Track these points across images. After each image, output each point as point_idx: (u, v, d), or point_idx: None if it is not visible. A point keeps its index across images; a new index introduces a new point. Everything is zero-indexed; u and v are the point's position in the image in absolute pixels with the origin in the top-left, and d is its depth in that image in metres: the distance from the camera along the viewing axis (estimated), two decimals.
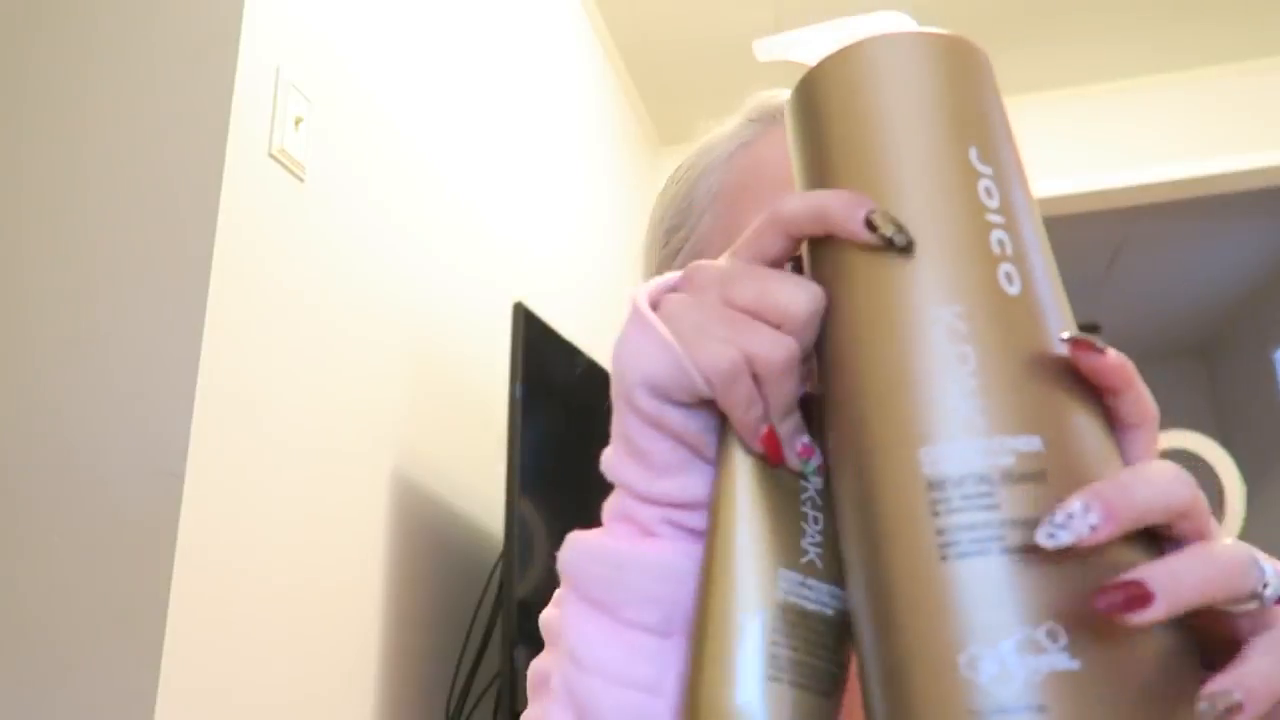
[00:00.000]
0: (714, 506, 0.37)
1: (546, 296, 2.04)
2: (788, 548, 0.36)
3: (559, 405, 1.67)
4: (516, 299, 1.66)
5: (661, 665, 0.37)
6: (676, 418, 0.37)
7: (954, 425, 0.30)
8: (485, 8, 1.92)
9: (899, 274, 0.32)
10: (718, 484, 0.38)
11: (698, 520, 0.38)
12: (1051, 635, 0.27)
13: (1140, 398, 0.32)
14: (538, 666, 0.59)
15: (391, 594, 1.40)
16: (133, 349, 1.10)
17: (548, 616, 0.61)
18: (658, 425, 0.37)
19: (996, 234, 0.33)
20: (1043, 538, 0.27)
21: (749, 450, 0.37)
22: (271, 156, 1.21)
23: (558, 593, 0.62)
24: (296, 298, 1.25)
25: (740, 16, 2.57)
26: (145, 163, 1.16)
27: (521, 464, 1.51)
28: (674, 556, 0.38)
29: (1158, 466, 0.29)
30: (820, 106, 0.36)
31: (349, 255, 1.37)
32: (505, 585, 1.45)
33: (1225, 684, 0.27)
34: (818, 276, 0.35)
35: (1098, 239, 4.13)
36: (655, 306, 0.38)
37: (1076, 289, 4.70)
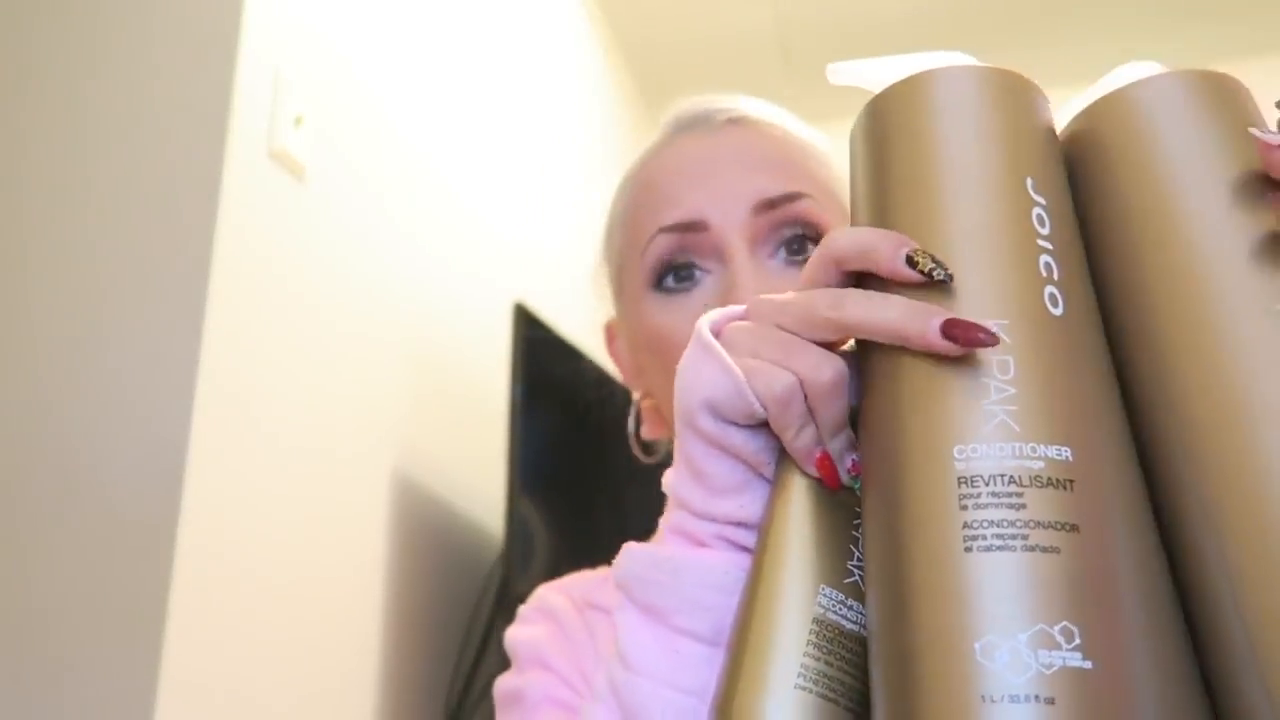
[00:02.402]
0: (765, 523, 0.38)
1: (546, 296, 2.04)
2: (833, 567, 0.37)
3: (559, 405, 1.67)
4: (516, 299, 1.66)
5: (710, 673, 0.38)
6: (738, 438, 0.38)
7: (989, 427, 0.31)
8: (486, 7, 1.92)
9: (950, 287, 0.34)
10: (771, 502, 0.39)
11: (751, 538, 0.39)
12: (1066, 634, 0.28)
13: None
14: (507, 685, 0.60)
15: (391, 594, 1.40)
16: (133, 349, 1.10)
17: (513, 636, 0.62)
18: (720, 446, 0.39)
19: (1045, 258, 0.34)
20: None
21: (804, 472, 0.38)
22: (271, 156, 1.21)
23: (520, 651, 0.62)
24: (296, 298, 1.24)
25: (740, 16, 2.57)
26: (145, 162, 1.16)
27: (521, 464, 1.51)
28: (726, 565, 0.39)
29: None
30: (886, 127, 0.39)
31: (349, 255, 1.37)
32: (505, 585, 1.45)
33: None
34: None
35: None
36: (718, 334, 0.40)
37: None
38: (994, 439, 0.31)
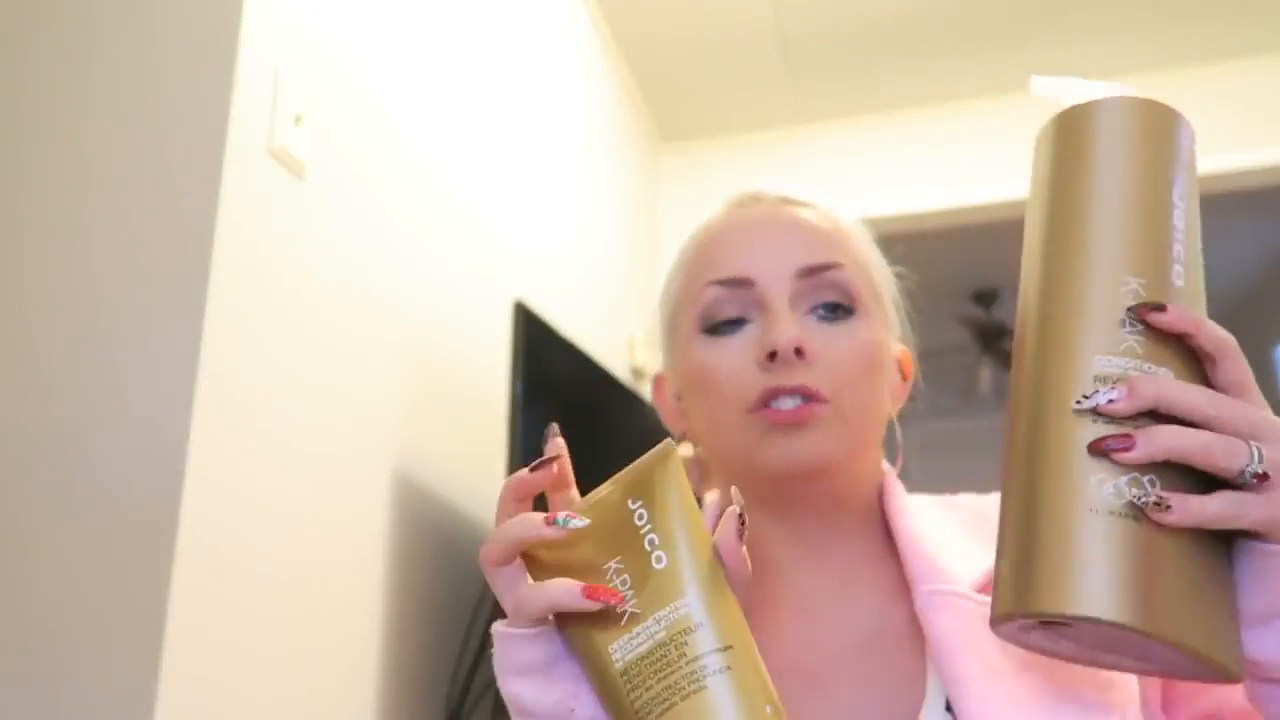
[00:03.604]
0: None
1: (547, 294, 2.04)
2: (612, 627, 0.48)
3: (559, 404, 1.67)
4: (516, 297, 1.66)
5: None
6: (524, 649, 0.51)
7: (1120, 349, 0.47)
8: (486, 6, 1.92)
9: (1101, 243, 0.49)
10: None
11: None
12: (1151, 481, 0.45)
13: (1209, 335, 0.47)
14: None
15: (391, 593, 1.40)
16: (133, 348, 1.10)
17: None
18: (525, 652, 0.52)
19: (1176, 245, 0.49)
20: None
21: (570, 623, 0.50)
22: (271, 154, 1.21)
23: None
24: (296, 296, 1.24)
25: (740, 14, 2.57)
26: (144, 161, 1.16)
27: (522, 462, 1.51)
28: None
29: (1198, 389, 0.46)
30: (1071, 136, 0.52)
31: (349, 253, 1.37)
32: None
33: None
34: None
35: None
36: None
37: None
38: (1122, 358, 0.47)
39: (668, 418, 0.78)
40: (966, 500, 0.73)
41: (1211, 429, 0.46)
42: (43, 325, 1.14)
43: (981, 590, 0.62)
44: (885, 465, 0.74)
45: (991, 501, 0.70)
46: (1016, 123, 2.99)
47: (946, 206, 2.89)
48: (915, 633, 0.64)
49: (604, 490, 0.50)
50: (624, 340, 2.57)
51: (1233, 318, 5.04)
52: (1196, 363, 0.48)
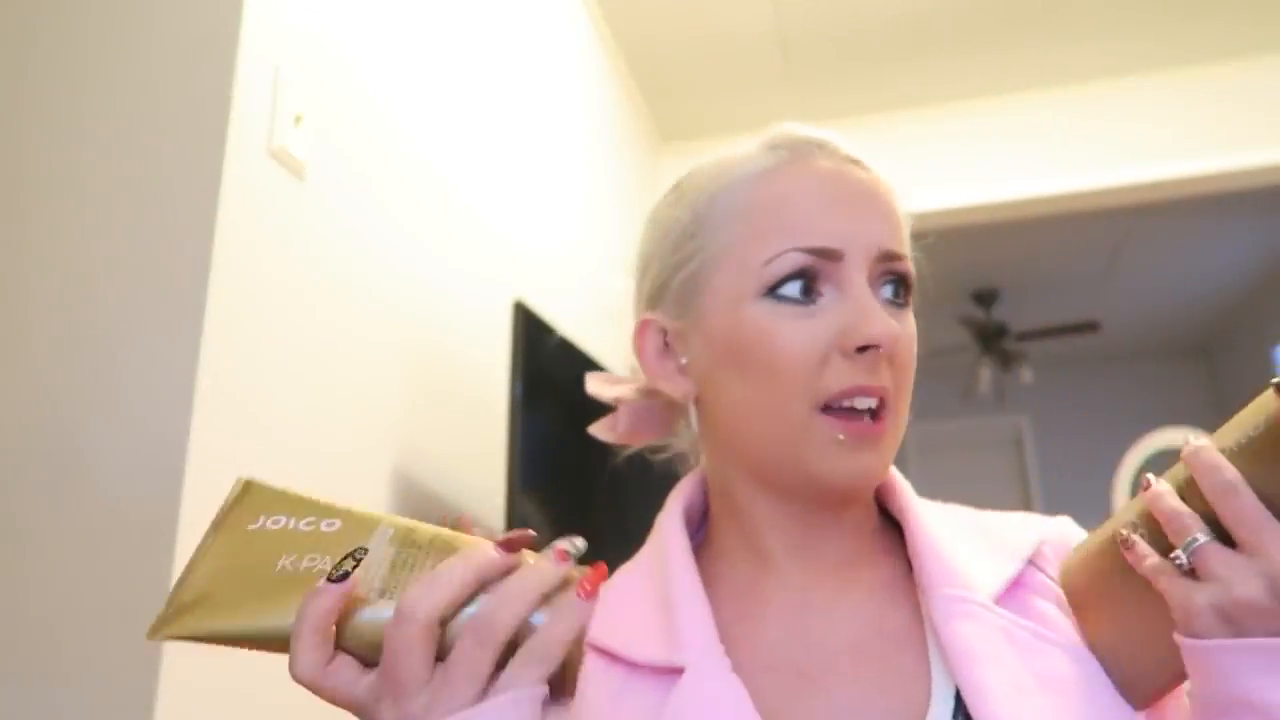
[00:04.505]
0: None
1: (546, 294, 2.04)
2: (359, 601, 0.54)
3: (558, 403, 1.67)
4: (516, 297, 1.66)
5: None
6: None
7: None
8: (486, 6, 1.92)
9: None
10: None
11: None
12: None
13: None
14: None
15: None
16: (133, 348, 1.10)
17: None
18: None
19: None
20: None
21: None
22: (271, 154, 1.21)
23: None
24: (296, 296, 1.24)
25: (740, 14, 2.57)
26: (144, 161, 1.16)
27: (521, 462, 1.51)
28: None
29: (1233, 475, 0.52)
30: None
31: (349, 253, 1.37)
32: None
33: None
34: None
35: (1098, 237, 4.13)
36: None
37: (1076, 287, 4.70)
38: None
39: (654, 372, 0.71)
40: (963, 511, 0.71)
41: (1215, 510, 0.52)
42: (43, 325, 1.14)
43: (1000, 603, 0.60)
44: None
45: (992, 517, 0.69)
46: (1017, 123, 2.99)
47: (946, 206, 2.89)
48: (917, 634, 0.62)
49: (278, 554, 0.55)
50: (624, 340, 2.57)
51: (1233, 317, 5.04)
52: None
